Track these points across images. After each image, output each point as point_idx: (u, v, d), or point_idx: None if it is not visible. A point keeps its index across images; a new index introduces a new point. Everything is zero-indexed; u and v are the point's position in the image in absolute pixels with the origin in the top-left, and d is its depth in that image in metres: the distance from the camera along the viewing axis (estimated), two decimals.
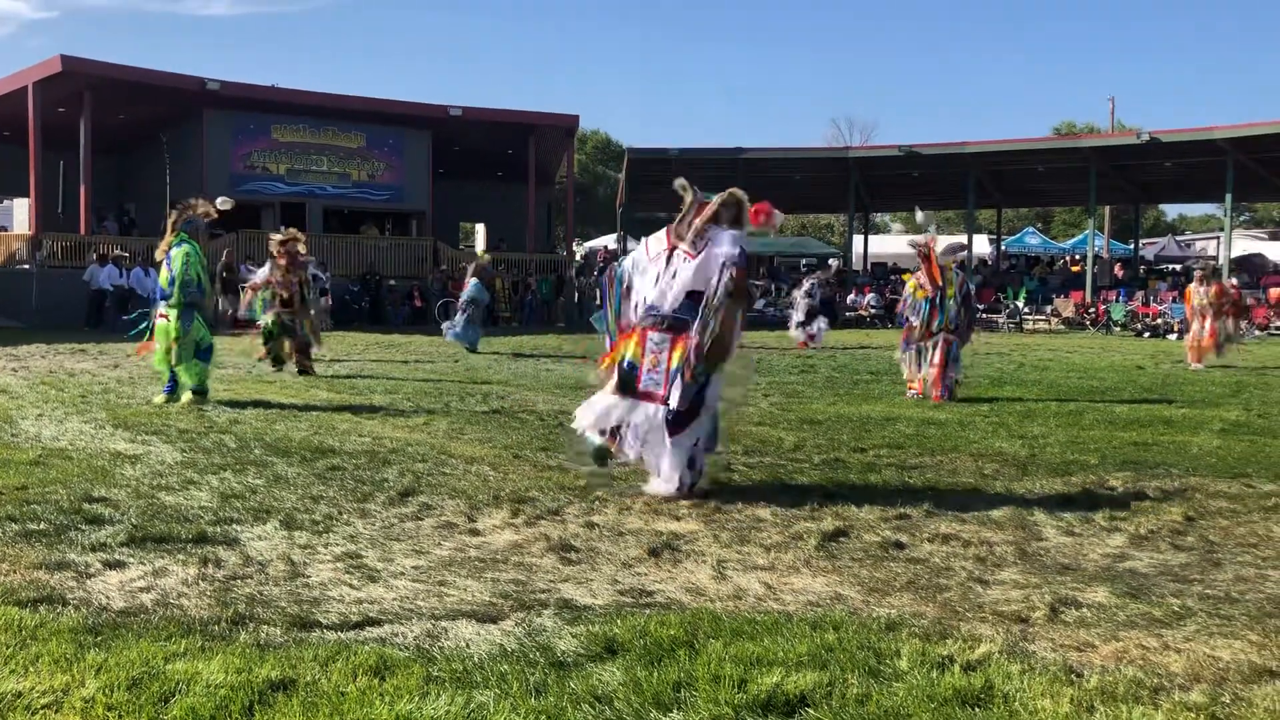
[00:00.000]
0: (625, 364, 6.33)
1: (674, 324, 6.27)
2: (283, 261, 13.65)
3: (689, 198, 6.53)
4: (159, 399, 10.22)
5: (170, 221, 10.61)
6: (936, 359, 11.46)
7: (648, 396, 6.25)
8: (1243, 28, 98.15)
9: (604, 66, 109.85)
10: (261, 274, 13.95)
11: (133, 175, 32.56)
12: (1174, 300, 28.52)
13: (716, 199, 6.46)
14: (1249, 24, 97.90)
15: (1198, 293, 17.69)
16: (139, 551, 4.83)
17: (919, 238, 12.35)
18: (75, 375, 13.08)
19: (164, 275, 10.45)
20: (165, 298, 10.40)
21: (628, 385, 6.29)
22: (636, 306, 6.52)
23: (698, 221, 6.37)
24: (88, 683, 3.28)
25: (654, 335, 6.30)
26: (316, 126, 30.93)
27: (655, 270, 6.46)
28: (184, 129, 29.43)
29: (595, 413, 6.36)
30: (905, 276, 12.86)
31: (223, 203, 10.97)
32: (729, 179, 39.00)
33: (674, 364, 6.20)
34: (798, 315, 21.75)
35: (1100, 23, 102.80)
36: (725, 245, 6.26)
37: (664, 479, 6.30)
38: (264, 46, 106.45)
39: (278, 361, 13.77)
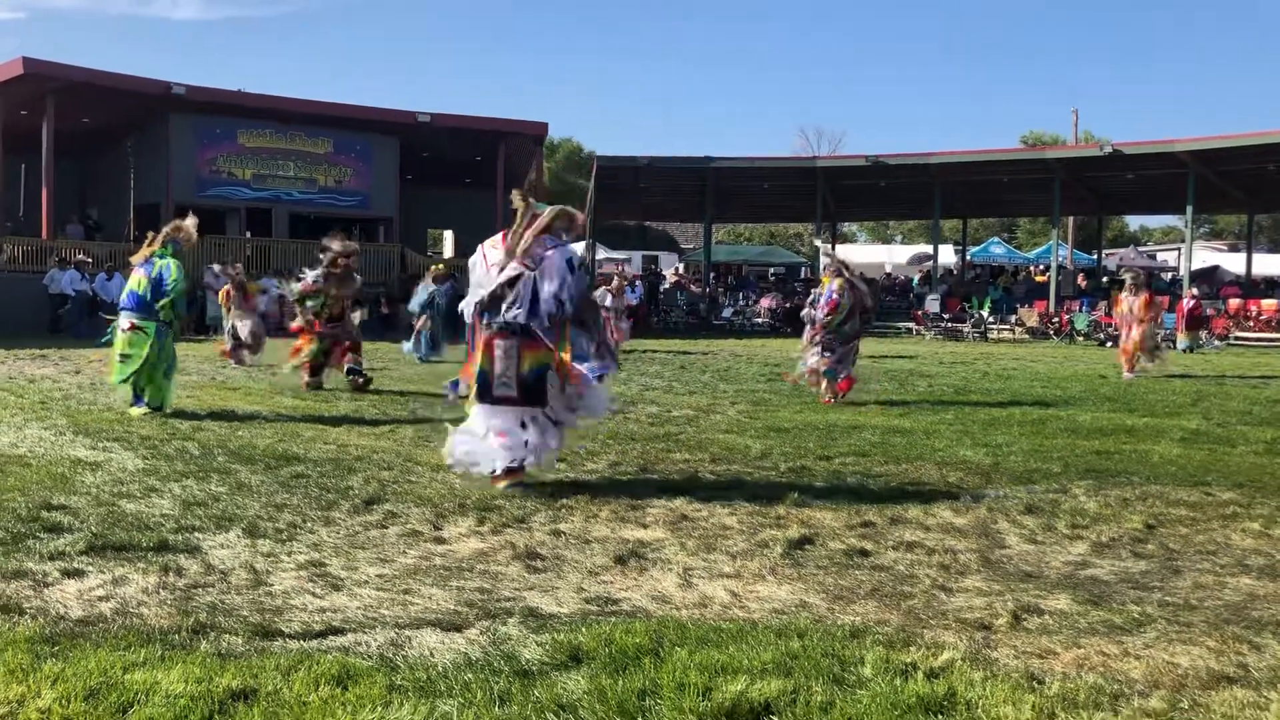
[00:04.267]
0: (480, 374, 6.71)
1: (515, 329, 6.61)
2: (337, 272, 12.85)
3: (522, 208, 6.78)
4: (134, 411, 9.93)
5: (161, 235, 10.23)
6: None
7: (505, 401, 6.65)
8: (1208, 42, 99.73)
9: (576, 75, 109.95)
10: (313, 276, 12.91)
11: (96, 179, 32.14)
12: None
13: (548, 213, 6.78)
14: (1214, 39, 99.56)
15: (1126, 301, 17.60)
16: (98, 560, 4.78)
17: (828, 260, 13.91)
18: (35, 381, 12.90)
19: (138, 281, 10.03)
20: (134, 307, 10.01)
21: (484, 393, 6.70)
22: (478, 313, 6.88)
23: (528, 234, 6.68)
24: (44, 693, 3.24)
25: (500, 342, 6.65)
26: (283, 132, 30.69)
27: (491, 278, 6.77)
28: (149, 133, 29.10)
29: (464, 447, 6.83)
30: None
31: (190, 221, 10.76)
32: (698, 188, 38.45)
33: (525, 369, 6.60)
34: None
35: (1067, 35, 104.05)
36: (555, 266, 6.62)
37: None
38: (233, 50, 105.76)
39: (316, 373, 12.72)
